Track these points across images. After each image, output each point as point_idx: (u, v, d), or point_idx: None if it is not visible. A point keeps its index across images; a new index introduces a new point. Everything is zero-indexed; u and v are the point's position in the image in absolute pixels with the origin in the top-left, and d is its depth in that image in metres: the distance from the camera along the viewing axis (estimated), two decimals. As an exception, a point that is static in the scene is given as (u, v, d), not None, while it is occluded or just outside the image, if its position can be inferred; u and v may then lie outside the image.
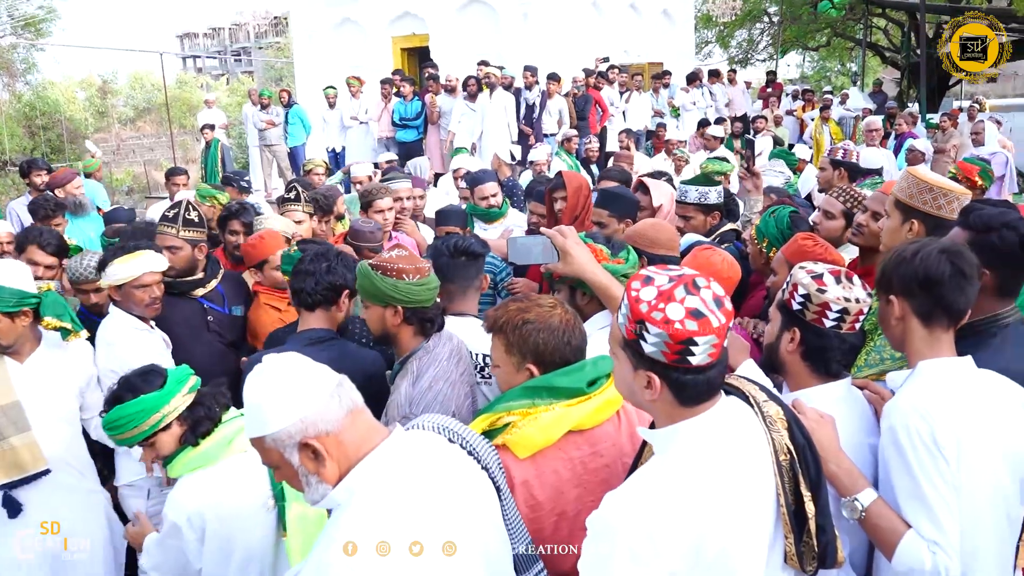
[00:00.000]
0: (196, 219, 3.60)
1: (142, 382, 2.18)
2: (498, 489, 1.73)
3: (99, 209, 6.73)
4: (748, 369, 2.37)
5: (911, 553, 1.67)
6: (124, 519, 3.05)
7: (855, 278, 1.87)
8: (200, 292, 3.56)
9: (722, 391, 1.53)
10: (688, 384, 1.44)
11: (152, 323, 3.23)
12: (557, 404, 1.86)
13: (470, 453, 1.72)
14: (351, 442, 1.50)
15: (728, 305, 1.43)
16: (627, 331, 1.46)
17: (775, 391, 1.71)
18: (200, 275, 3.58)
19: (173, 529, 2.11)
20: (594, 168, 9.42)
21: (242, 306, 3.71)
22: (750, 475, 1.48)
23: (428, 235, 4.78)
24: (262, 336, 3.44)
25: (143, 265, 3.10)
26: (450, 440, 1.72)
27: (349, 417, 1.51)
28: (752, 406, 1.56)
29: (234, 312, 3.65)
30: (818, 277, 1.85)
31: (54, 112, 23.48)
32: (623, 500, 1.43)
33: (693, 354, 1.39)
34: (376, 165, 7.37)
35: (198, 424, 2.19)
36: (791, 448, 1.53)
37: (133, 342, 3.09)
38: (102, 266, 3.14)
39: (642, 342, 1.43)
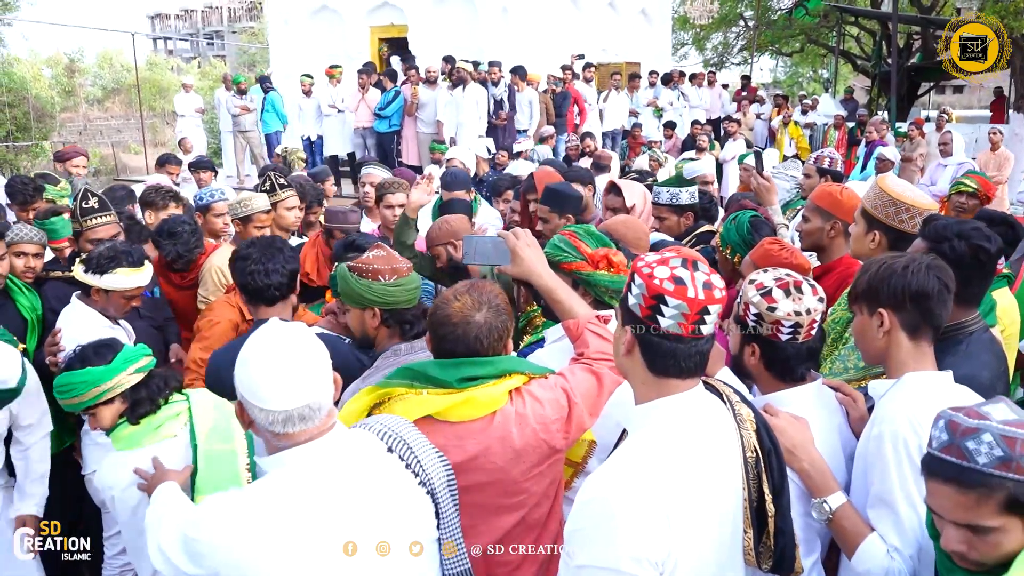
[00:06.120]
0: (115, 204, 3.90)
1: (93, 354, 2.26)
2: (438, 507, 1.71)
3: None
4: (725, 376, 2.43)
5: (870, 554, 1.72)
6: (94, 506, 3.06)
7: (804, 286, 1.88)
8: None
9: (700, 383, 1.57)
10: (655, 346, 1.47)
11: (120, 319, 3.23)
12: (425, 390, 1.90)
13: (408, 466, 1.69)
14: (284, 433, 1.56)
15: (717, 295, 1.46)
16: (625, 287, 1.54)
17: (748, 395, 1.76)
18: None
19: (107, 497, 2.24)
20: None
21: (156, 287, 3.84)
22: (718, 461, 1.53)
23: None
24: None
25: (142, 279, 3.15)
26: (390, 449, 1.70)
27: (292, 431, 1.55)
28: (725, 403, 1.62)
29: (155, 294, 3.79)
30: (767, 294, 1.86)
31: (20, 89, 22.85)
32: (602, 476, 1.46)
33: (663, 314, 1.44)
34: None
35: (138, 405, 2.26)
36: (758, 448, 1.58)
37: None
38: (104, 268, 3.05)
39: (629, 294, 1.50)
